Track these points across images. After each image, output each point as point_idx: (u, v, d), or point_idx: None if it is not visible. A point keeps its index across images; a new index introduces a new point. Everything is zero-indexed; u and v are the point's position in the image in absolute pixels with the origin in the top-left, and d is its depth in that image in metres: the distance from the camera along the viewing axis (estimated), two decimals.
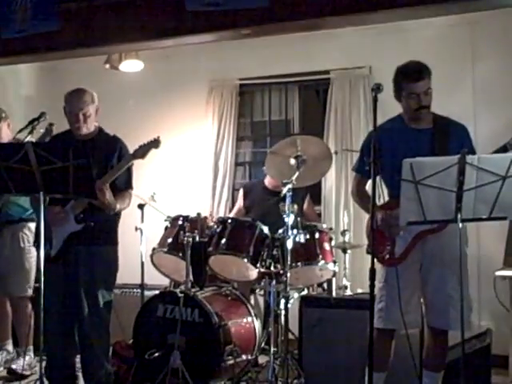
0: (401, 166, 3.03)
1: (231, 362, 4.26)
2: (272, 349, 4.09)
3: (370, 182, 3.56)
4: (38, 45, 4.25)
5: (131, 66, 5.98)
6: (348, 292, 4.58)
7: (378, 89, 3.15)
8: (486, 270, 4.90)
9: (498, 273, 4.78)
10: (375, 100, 3.15)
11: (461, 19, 5.06)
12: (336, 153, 5.13)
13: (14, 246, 4.85)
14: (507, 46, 5.32)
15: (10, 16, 4.19)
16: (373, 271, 3.02)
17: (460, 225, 3.05)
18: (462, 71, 5.41)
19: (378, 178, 3.15)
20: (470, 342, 4.04)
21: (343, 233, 4.81)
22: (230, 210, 6.12)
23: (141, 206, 5.02)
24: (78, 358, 4.20)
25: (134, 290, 5.45)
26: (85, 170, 3.44)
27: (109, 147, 4.07)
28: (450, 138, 3.43)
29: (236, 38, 4.57)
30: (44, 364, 3.81)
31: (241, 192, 5.75)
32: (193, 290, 4.40)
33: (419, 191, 3.01)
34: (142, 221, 5.05)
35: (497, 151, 3.24)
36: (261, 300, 5.45)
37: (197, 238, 4.43)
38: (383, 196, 3.33)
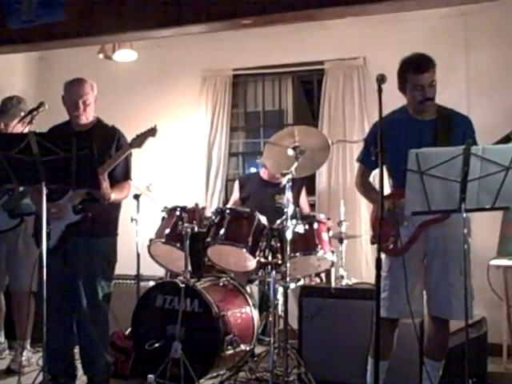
0: (405, 157, 3.04)
1: (231, 351, 4.29)
2: (272, 339, 4.10)
3: (374, 173, 3.60)
4: (37, 34, 4.19)
5: (125, 55, 5.93)
6: (344, 282, 4.61)
7: (381, 79, 3.14)
8: (480, 260, 4.91)
9: (492, 262, 4.84)
10: (380, 90, 3.14)
11: (454, 10, 5.11)
12: (332, 143, 5.14)
13: (25, 239, 4.68)
14: (500, 36, 5.36)
15: (15, 5, 4.13)
16: (379, 261, 3.03)
17: (464, 215, 3.08)
18: (456, 62, 5.41)
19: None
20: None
21: (340, 223, 4.83)
22: (224, 201, 6.12)
23: (136, 197, 5.01)
24: (77, 349, 4.20)
25: (128, 280, 5.42)
26: (88, 160, 3.40)
27: (107, 137, 4.06)
28: (453, 129, 3.45)
29: (234, 28, 4.55)
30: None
31: (236, 184, 5.74)
32: (191, 280, 4.40)
33: (424, 181, 3.02)
34: (138, 211, 5.03)
35: (500, 141, 3.27)
36: (255, 290, 5.47)
37: (195, 229, 4.42)
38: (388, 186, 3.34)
